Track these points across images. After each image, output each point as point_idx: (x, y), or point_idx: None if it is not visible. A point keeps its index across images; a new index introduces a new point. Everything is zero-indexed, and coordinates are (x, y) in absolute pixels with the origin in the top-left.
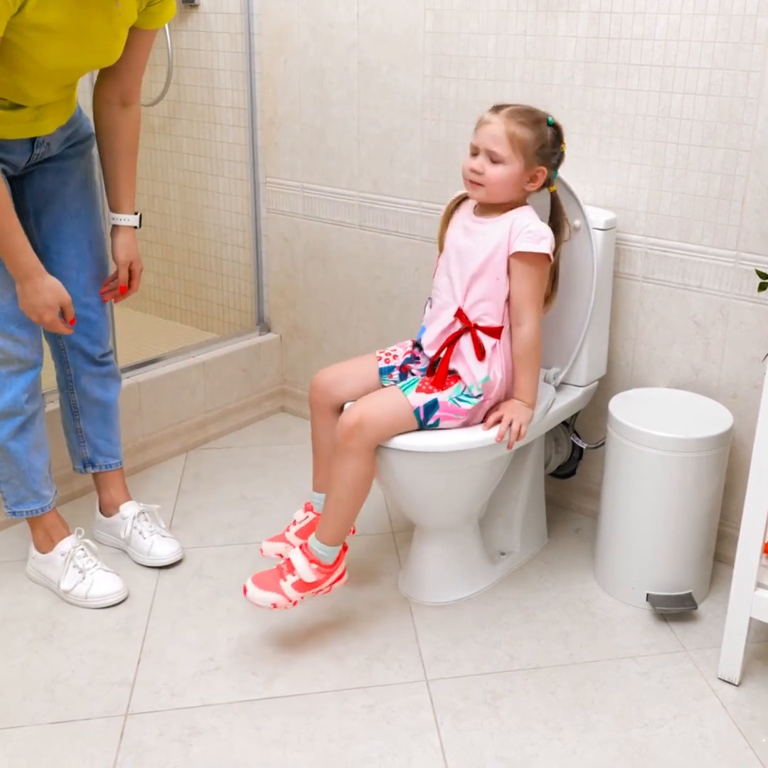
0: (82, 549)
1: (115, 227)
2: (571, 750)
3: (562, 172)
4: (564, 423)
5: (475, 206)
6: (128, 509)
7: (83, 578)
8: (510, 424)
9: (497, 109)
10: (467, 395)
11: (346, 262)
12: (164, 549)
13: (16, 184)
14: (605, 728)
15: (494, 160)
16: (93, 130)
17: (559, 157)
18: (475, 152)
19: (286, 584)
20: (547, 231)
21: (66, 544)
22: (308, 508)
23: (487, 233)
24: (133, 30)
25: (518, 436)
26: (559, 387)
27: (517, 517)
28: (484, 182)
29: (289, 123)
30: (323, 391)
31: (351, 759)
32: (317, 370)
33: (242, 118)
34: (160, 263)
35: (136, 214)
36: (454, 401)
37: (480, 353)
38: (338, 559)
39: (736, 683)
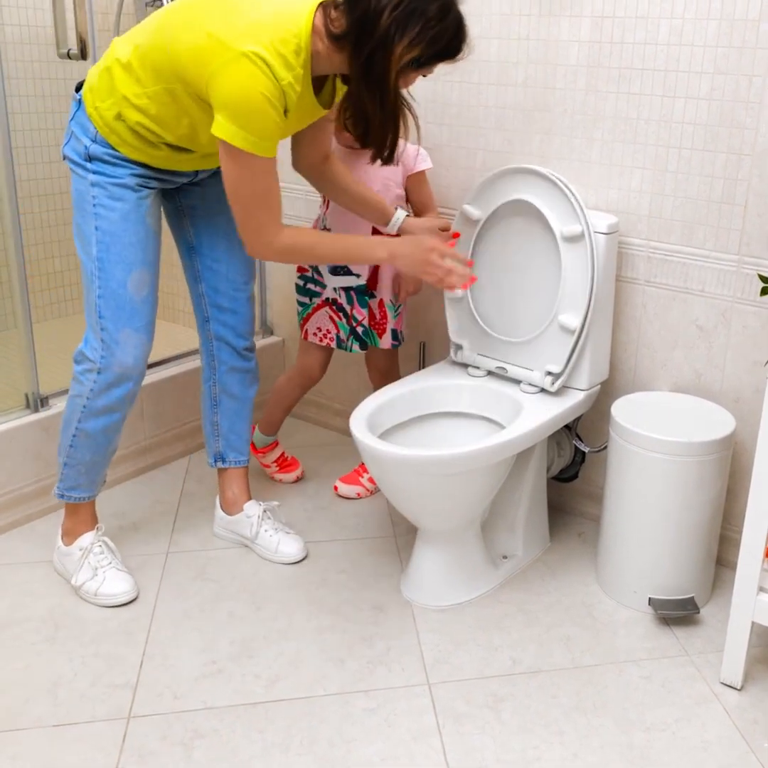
0: (100, 546)
1: (404, 227)
2: (573, 754)
3: (565, 175)
4: (566, 427)
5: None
6: (252, 508)
7: (95, 575)
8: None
9: None
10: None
11: None
12: (291, 547)
13: (172, 190)
14: (607, 732)
15: None
16: None
17: None
18: None
19: (363, 479)
20: None
21: (85, 539)
22: (274, 445)
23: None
24: None
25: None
26: (561, 391)
27: (519, 521)
28: None
29: None
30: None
31: (353, 762)
32: None
33: None
34: (163, 266)
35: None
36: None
37: None
38: None
39: (738, 688)
